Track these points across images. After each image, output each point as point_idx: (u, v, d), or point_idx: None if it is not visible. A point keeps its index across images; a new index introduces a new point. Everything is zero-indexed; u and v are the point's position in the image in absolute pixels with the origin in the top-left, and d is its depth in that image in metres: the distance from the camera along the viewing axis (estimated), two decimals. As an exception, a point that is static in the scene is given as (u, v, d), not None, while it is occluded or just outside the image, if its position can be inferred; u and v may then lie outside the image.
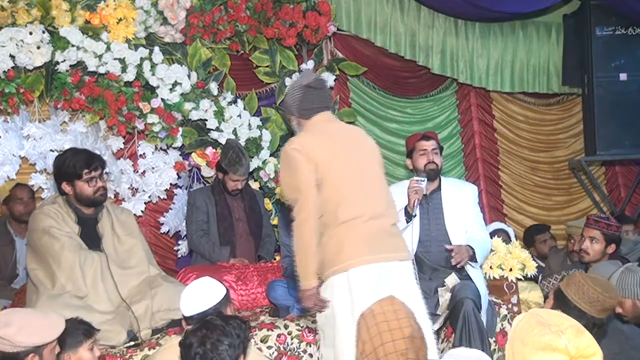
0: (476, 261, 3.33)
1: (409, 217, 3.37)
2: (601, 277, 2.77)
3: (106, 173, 3.34)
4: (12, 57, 3.88)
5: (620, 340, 2.56)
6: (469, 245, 3.30)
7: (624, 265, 3.04)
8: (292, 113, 2.79)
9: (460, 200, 3.54)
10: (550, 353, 1.70)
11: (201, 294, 2.51)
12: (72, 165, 3.24)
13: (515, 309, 3.66)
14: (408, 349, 2.26)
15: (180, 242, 4.66)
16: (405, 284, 2.63)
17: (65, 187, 3.27)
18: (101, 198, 3.31)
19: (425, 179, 3.40)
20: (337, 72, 4.98)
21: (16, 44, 3.88)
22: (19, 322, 2.17)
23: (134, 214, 3.91)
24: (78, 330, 2.55)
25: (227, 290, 2.62)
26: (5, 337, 2.12)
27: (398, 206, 3.43)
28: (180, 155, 4.52)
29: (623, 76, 5.52)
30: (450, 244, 3.44)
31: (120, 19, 4.12)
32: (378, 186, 2.75)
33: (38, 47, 3.92)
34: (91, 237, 3.31)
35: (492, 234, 4.07)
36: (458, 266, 3.26)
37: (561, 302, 2.53)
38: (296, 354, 3.23)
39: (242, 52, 4.72)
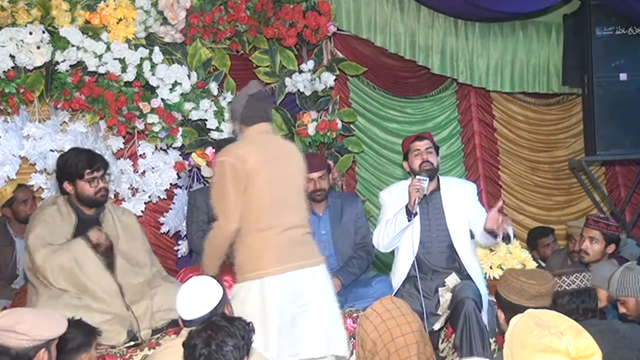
0: (510, 242, 3.43)
1: (410, 215, 3.37)
2: (532, 269, 2.79)
3: (108, 174, 3.34)
4: (12, 57, 3.88)
5: (616, 339, 2.55)
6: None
7: (623, 265, 3.04)
8: (236, 118, 2.98)
9: (460, 199, 3.54)
10: (551, 355, 1.69)
11: (198, 296, 2.49)
12: (75, 165, 3.23)
13: (515, 309, 3.66)
14: (418, 342, 2.29)
15: (180, 242, 4.65)
16: (316, 288, 2.83)
17: (67, 186, 3.27)
18: (102, 199, 3.30)
19: (427, 179, 3.40)
20: (337, 72, 4.97)
21: (16, 44, 3.87)
22: (28, 319, 2.18)
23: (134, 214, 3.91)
24: (86, 331, 2.56)
25: (224, 289, 2.60)
26: (22, 332, 2.13)
27: (398, 206, 3.47)
28: (180, 155, 4.51)
29: (623, 76, 5.51)
30: (452, 243, 3.45)
31: (120, 19, 4.12)
32: (298, 199, 2.93)
33: (38, 47, 3.92)
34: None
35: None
36: (501, 234, 3.26)
37: (499, 301, 2.58)
38: (296, 354, 3.22)
39: (242, 52, 4.72)
